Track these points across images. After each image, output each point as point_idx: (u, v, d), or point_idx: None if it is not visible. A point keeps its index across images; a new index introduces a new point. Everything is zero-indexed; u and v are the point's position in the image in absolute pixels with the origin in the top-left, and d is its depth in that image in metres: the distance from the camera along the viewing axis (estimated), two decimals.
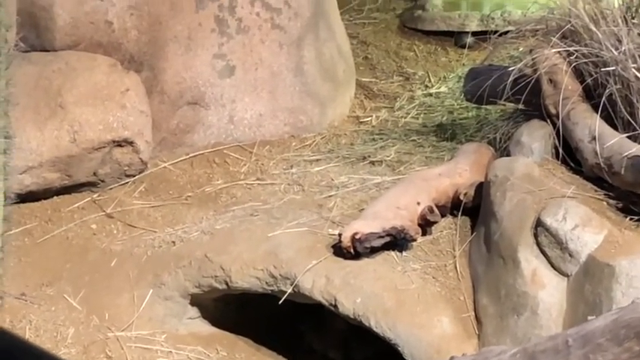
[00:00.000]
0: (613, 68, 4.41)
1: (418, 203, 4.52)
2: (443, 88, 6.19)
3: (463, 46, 6.61)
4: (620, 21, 4.58)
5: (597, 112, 4.47)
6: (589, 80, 4.58)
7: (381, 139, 5.66)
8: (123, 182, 5.35)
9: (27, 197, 4.83)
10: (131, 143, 5.26)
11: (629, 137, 4.29)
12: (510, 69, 4.90)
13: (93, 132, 5.18)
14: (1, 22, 4.14)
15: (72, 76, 5.24)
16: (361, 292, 4.32)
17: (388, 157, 5.38)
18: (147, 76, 5.48)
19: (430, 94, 6.20)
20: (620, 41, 4.46)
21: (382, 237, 4.37)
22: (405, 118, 5.94)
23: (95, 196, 5.21)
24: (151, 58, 5.53)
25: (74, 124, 5.13)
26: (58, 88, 5.11)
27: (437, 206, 4.58)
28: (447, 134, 5.55)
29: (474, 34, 6.62)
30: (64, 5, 5.38)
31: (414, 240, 4.46)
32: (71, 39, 5.37)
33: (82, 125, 5.14)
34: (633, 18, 4.63)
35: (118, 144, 5.24)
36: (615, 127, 4.41)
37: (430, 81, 6.36)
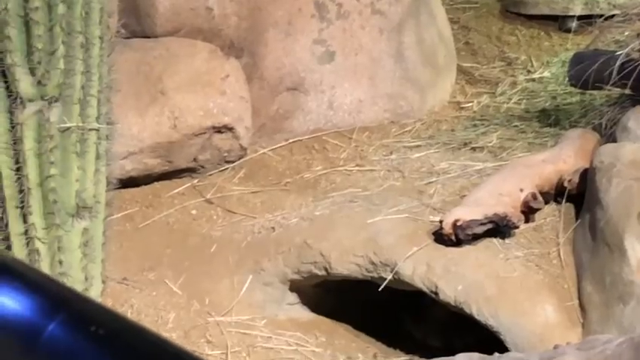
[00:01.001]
0: None
1: (521, 190, 4.52)
2: (546, 73, 6.16)
3: (567, 31, 6.54)
4: None
5: None
6: None
7: (482, 124, 5.65)
8: (222, 168, 5.37)
9: (128, 183, 4.88)
10: (231, 129, 5.29)
11: None
12: (617, 53, 4.85)
13: (193, 118, 5.22)
14: (103, 8, 4.17)
15: (172, 63, 5.29)
16: (463, 280, 4.33)
17: (490, 143, 5.36)
18: (247, 62, 5.50)
19: (533, 80, 6.16)
20: None
21: (484, 224, 4.39)
22: (507, 103, 5.92)
23: (195, 181, 5.26)
24: (251, 44, 5.55)
25: (175, 110, 5.17)
26: (159, 75, 5.17)
27: (540, 193, 4.57)
28: (551, 120, 5.51)
29: (579, 18, 6.53)
30: None
31: (517, 227, 4.46)
32: (172, 25, 5.41)
33: (182, 111, 5.19)
34: None
35: (218, 130, 5.27)
36: None
37: (533, 66, 6.31)
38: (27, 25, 4.10)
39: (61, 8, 4.07)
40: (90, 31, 4.16)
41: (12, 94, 4.11)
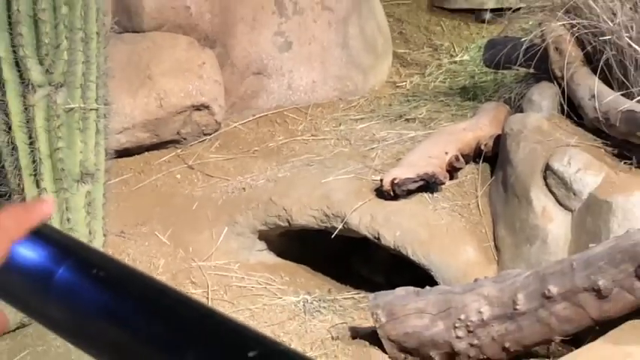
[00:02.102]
0: (609, 37, 4.42)
1: (446, 153, 4.57)
2: (465, 57, 6.21)
3: (482, 21, 6.57)
4: None
5: (596, 75, 4.48)
6: (589, 48, 4.59)
7: (414, 100, 5.69)
8: (201, 140, 5.43)
9: (123, 153, 4.92)
10: (207, 107, 5.33)
11: (622, 95, 4.30)
12: (523, 40, 4.93)
13: (176, 98, 5.26)
14: (100, 8, 4.17)
15: (158, 53, 5.33)
16: (400, 227, 4.38)
17: (420, 115, 5.41)
18: (219, 51, 5.53)
19: (455, 62, 6.21)
20: (614, 14, 4.45)
21: (416, 181, 4.43)
22: (434, 82, 5.97)
23: (179, 151, 5.30)
24: (223, 37, 5.57)
25: (160, 92, 5.20)
26: (147, 63, 5.20)
27: (462, 155, 4.62)
28: (470, 95, 5.57)
29: (492, 10, 6.61)
30: None
31: (443, 183, 4.51)
32: (156, 22, 5.42)
33: (166, 93, 5.22)
34: None
35: (197, 108, 5.30)
36: (611, 87, 4.41)
37: (455, 51, 6.37)
38: (36, 23, 4.13)
39: (64, 9, 4.09)
40: (88, 27, 4.20)
41: (24, 81, 4.13)
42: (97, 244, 4.26)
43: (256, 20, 5.64)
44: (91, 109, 4.19)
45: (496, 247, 4.37)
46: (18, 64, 4.02)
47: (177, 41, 5.43)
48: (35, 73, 4.03)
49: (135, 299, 1.08)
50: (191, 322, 1.03)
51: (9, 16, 4.00)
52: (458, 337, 3.70)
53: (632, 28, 4.38)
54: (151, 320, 1.06)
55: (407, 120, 5.40)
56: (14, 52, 4.02)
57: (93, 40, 4.16)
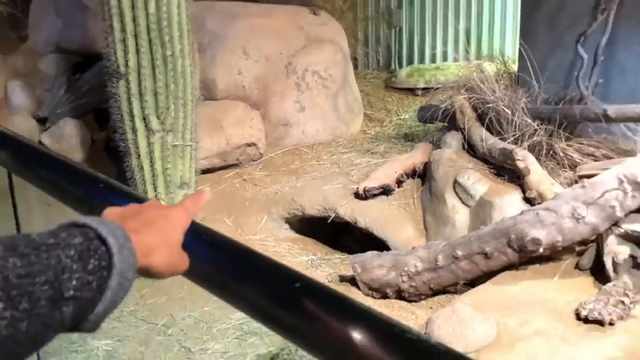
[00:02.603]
0: (491, 105, 4.41)
1: (396, 172, 4.55)
2: (406, 116, 6.11)
3: (416, 95, 6.47)
4: (494, 80, 4.62)
5: (483, 127, 4.46)
6: (479, 111, 4.55)
7: (376, 141, 5.64)
8: (251, 164, 5.36)
9: (205, 171, 4.91)
10: (255, 144, 5.30)
11: (499, 139, 4.30)
12: (440, 106, 4.93)
13: (236, 139, 5.22)
14: (193, 86, 4.22)
15: (225, 113, 5.30)
16: (369, 216, 4.38)
17: (380, 150, 5.36)
18: (262, 112, 5.53)
19: (400, 119, 6.12)
20: (494, 91, 4.47)
21: (378, 189, 4.44)
22: (388, 131, 5.89)
23: (238, 170, 5.23)
24: (264, 103, 5.57)
25: (227, 136, 5.16)
26: (219, 118, 5.18)
27: (405, 174, 4.61)
28: (409, 138, 5.52)
29: (422, 89, 6.48)
30: (221, 78, 5.42)
31: (394, 190, 4.49)
32: (224, 94, 5.43)
33: (231, 136, 5.18)
34: (500, 80, 4.65)
35: (249, 145, 5.28)
36: (492, 134, 4.39)
37: (400, 112, 6.27)
38: (155, 94, 4.13)
39: (172, 86, 4.12)
40: (186, 97, 4.22)
41: (148, 128, 4.14)
42: None
43: (284, 94, 5.63)
44: (187, 145, 4.22)
45: (425, 228, 4.35)
46: (144, 119, 4.05)
47: (237, 106, 5.41)
48: (154, 123, 4.06)
49: (225, 253, 1.13)
50: (258, 264, 1.06)
51: (139, 90, 4.05)
52: (403, 281, 3.69)
53: (504, 99, 4.38)
54: (233, 262, 1.10)
55: (372, 153, 5.35)
56: (142, 111, 4.05)
57: (189, 105, 4.19)
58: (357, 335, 0.81)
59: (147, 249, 0.86)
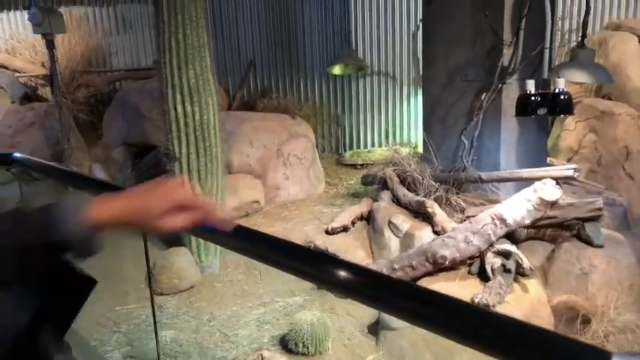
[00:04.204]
0: (409, 172, 4.44)
1: (350, 216, 4.46)
2: (352, 182, 6.07)
3: (357, 168, 6.45)
4: (408, 158, 4.63)
5: (405, 187, 4.44)
6: (402, 177, 4.55)
7: (335, 198, 5.56)
8: (255, 214, 5.22)
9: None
10: (258, 202, 5.26)
11: (415, 194, 4.27)
12: (377, 175, 4.85)
13: (246, 198, 5.16)
14: (222, 166, 4.26)
15: (239, 182, 5.23)
16: (335, 245, 4.27)
17: (338, 202, 5.31)
18: (262, 180, 5.46)
19: (349, 184, 6.03)
20: (410, 164, 4.50)
21: (340, 228, 4.37)
22: (342, 191, 5.81)
23: (247, 218, 5.05)
24: (263, 175, 5.50)
25: (241, 196, 5.12)
26: (234, 185, 5.10)
27: (357, 217, 4.51)
28: (356, 195, 5.47)
29: (361, 165, 6.43)
30: (236, 159, 5.35)
31: (350, 228, 4.41)
32: (238, 169, 5.38)
33: (243, 197, 5.13)
34: (412, 157, 4.65)
35: (254, 202, 5.23)
36: (411, 191, 4.37)
37: (348, 180, 6.18)
38: (198, 172, 4.10)
39: (209, 165, 4.11)
40: (218, 172, 4.20)
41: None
42: None
43: (275, 169, 5.59)
44: (217, 203, 4.24)
45: (372, 252, 4.25)
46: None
47: (246, 177, 5.37)
48: (197, 190, 4.08)
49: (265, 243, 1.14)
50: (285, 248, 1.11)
51: (188, 169, 4.06)
52: None
53: (416, 169, 4.40)
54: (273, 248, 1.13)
55: (333, 205, 5.29)
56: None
57: (219, 177, 4.17)
58: None
59: (103, 202, 0.81)
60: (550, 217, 3.65)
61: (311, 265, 1.05)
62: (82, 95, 6.84)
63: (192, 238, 4.15)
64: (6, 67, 7.34)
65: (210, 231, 0.99)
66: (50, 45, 5.18)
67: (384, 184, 4.70)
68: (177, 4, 3.76)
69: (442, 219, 3.91)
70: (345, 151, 7.12)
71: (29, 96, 6.94)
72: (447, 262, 3.48)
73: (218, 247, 4.23)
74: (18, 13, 7.83)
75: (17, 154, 2.56)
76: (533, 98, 3.66)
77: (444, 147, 4.51)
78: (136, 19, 7.70)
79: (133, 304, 3.81)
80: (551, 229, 3.77)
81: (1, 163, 2.80)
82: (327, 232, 4.40)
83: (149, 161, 5.87)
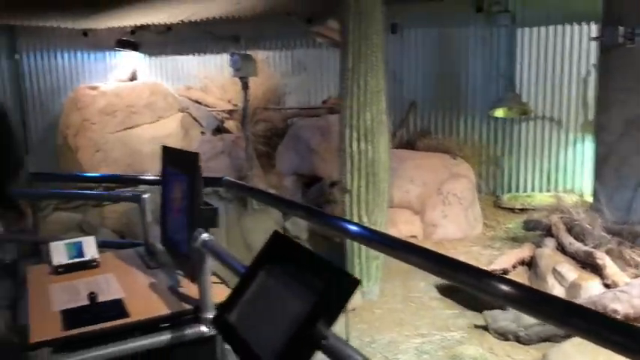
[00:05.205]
0: (577, 222, 4.25)
1: (512, 260, 4.35)
2: (510, 225, 5.72)
3: (515, 212, 6.09)
4: (576, 206, 4.51)
5: (571, 236, 4.23)
6: (568, 226, 4.31)
7: (492, 240, 5.40)
8: None
9: None
10: (416, 237, 5.18)
11: (582, 244, 4.04)
12: (543, 221, 4.62)
13: (405, 232, 5.09)
14: (387, 199, 4.48)
15: (399, 215, 5.26)
16: None
17: (497, 246, 5.11)
18: (420, 216, 5.33)
19: (508, 227, 5.73)
20: (579, 213, 4.33)
21: (500, 271, 4.22)
22: (499, 234, 5.57)
23: None
24: (421, 211, 5.34)
25: (399, 229, 5.09)
26: (395, 218, 5.07)
27: (518, 262, 4.37)
28: (517, 240, 5.17)
29: (519, 209, 6.15)
30: (396, 195, 5.47)
31: (510, 272, 4.25)
32: (398, 204, 5.48)
33: (402, 230, 5.09)
34: (583, 204, 4.48)
35: (412, 236, 5.16)
36: (577, 240, 4.13)
37: (505, 223, 5.89)
38: (367, 203, 4.27)
39: (377, 198, 4.20)
40: (383, 205, 4.23)
41: (360, 222, 4.13)
42: None
43: (434, 206, 5.44)
44: None
45: None
46: (360, 218, 4.26)
47: (405, 212, 5.38)
48: (364, 219, 4.25)
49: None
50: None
51: (358, 200, 4.27)
52: (520, 330, 3.56)
53: (586, 219, 4.25)
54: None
55: (491, 247, 5.12)
56: (359, 212, 4.27)
57: (384, 210, 4.29)
58: None
59: None
60: None
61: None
62: (261, 129, 7.69)
63: (356, 264, 4.38)
64: (200, 103, 8.54)
65: None
66: (245, 86, 5.99)
67: (548, 231, 4.56)
68: (361, 54, 4.18)
69: (614, 272, 3.77)
70: (502, 193, 6.94)
71: (219, 128, 8.01)
72: (618, 317, 3.31)
73: (379, 273, 4.37)
74: (212, 56, 8.97)
75: (227, 178, 2.99)
76: None
77: (617, 197, 4.35)
78: (309, 62, 8.42)
79: None
80: None
81: (213, 184, 3.26)
82: None
83: (316, 190, 6.42)
